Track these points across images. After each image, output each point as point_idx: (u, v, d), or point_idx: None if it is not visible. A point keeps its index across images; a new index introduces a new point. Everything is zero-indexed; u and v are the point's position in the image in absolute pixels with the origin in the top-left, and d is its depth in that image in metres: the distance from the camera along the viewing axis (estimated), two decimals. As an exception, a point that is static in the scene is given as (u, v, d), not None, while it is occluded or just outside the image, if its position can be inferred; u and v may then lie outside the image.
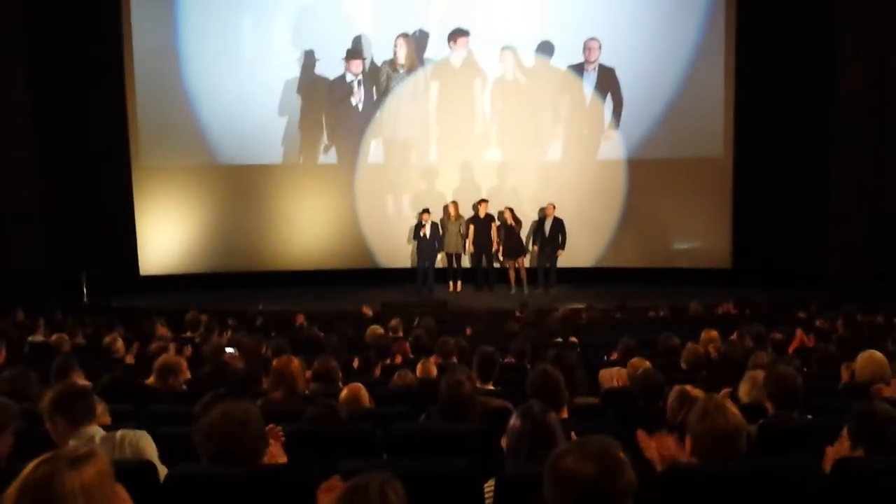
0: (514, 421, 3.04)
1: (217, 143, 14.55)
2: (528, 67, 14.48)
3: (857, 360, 5.37)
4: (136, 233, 14.56)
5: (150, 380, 5.62)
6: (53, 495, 1.98)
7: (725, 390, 4.65)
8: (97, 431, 3.49)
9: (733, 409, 3.06)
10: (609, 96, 14.37)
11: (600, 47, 14.25)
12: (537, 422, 2.98)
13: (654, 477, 2.97)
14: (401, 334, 8.77)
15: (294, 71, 14.55)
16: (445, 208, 14.25)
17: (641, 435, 3.37)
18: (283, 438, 3.35)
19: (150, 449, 3.43)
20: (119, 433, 3.44)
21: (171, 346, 7.55)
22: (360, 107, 14.57)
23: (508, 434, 3.04)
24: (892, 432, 3.19)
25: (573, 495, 1.95)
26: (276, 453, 3.27)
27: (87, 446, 3.00)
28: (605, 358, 7.26)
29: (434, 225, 13.98)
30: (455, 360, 6.62)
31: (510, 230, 13.99)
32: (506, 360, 6.52)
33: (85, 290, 13.70)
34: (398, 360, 7.13)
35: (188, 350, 7.63)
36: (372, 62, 14.57)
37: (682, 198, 14.38)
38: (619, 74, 14.27)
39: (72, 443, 3.40)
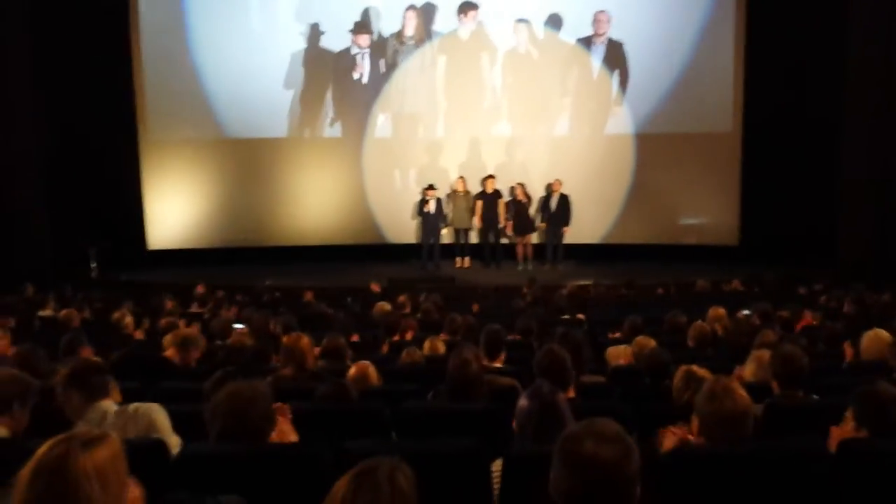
0: (522, 401, 3.07)
1: (224, 117, 14.55)
2: (538, 41, 14.39)
3: (863, 338, 5.38)
4: (143, 207, 14.61)
5: (169, 353, 5.69)
6: (67, 476, 2.01)
7: (737, 371, 4.66)
8: (110, 406, 3.54)
9: (741, 390, 3.08)
10: (617, 71, 14.29)
11: (609, 20, 14.16)
12: (545, 402, 3.00)
13: (657, 462, 2.99)
14: (408, 310, 8.79)
15: (300, 44, 14.53)
16: (453, 184, 14.22)
17: (662, 433, 3.36)
18: (290, 416, 3.38)
19: (163, 421, 3.48)
20: (132, 406, 3.50)
21: (181, 322, 7.61)
22: (365, 80, 14.52)
23: (517, 415, 3.06)
24: (894, 413, 3.21)
25: (591, 478, 1.97)
26: (286, 430, 3.30)
27: (100, 428, 3.10)
28: (612, 335, 7.26)
29: (438, 201, 13.96)
30: (461, 337, 6.63)
31: (520, 206, 13.97)
32: (511, 337, 6.54)
33: (93, 264, 13.75)
34: (407, 336, 7.16)
35: (195, 326, 7.67)
36: (379, 35, 14.50)
37: (690, 173, 14.33)
38: (628, 48, 14.18)
39: (88, 415, 3.45)
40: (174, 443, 3.42)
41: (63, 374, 3.64)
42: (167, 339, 6.12)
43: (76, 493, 2.00)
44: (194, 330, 6.21)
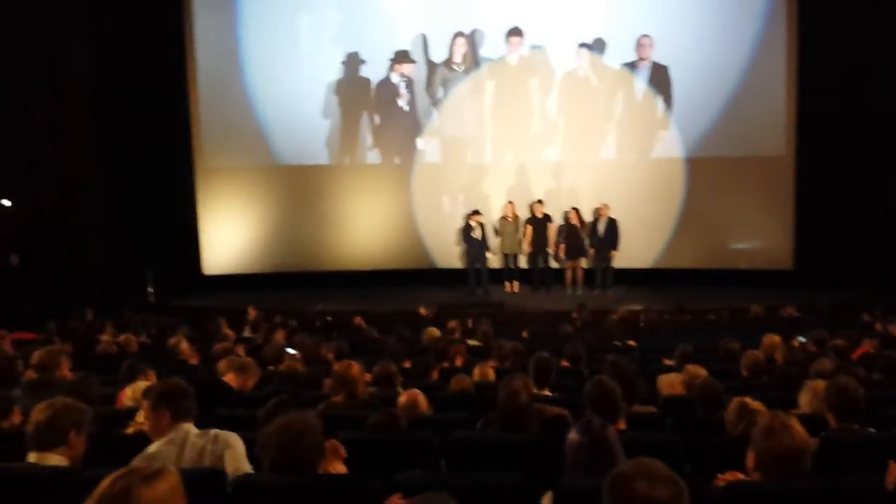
0: (572, 435, 3.07)
1: (276, 144, 14.80)
2: (586, 66, 14.40)
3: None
4: (199, 233, 14.88)
5: (227, 378, 5.76)
6: None
7: (793, 411, 4.58)
8: (192, 428, 3.64)
9: (799, 426, 3.04)
10: (661, 95, 14.22)
11: (652, 44, 14.11)
12: (595, 437, 3.00)
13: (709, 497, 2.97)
14: (458, 336, 8.81)
15: (343, 71, 14.72)
16: (502, 209, 14.24)
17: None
18: (344, 455, 3.42)
19: (239, 449, 3.55)
20: (213, 431, 3.59)
21: (237, 348, 7.73)
22: (406, 107, 14.65)
23: (567, 448, 3.06)
24: None
25: None
26: (336, 465, 3.35)
27: (181, 448, 3.36)
28: (664, 363, 7.19)
29: (483, 226, 13.97)
30: (510, 364, 6.64)
31: (573, 230, 13.95)
32: (561, 364, 6.52)
33: (150, 289, 14.03)
34: (457, 362, 7.17)
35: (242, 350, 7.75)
36: (429, 61, 14.64)
37: (742, 197, 14.15)
38: (676, 71, 14.11)
39: (170, 434, 3.56)
40: (247, 470, 3.48)
41: (155, 390, 3.78)
42: (222, 364, 6.21)
43: None
44: (244, 355, 6.29)
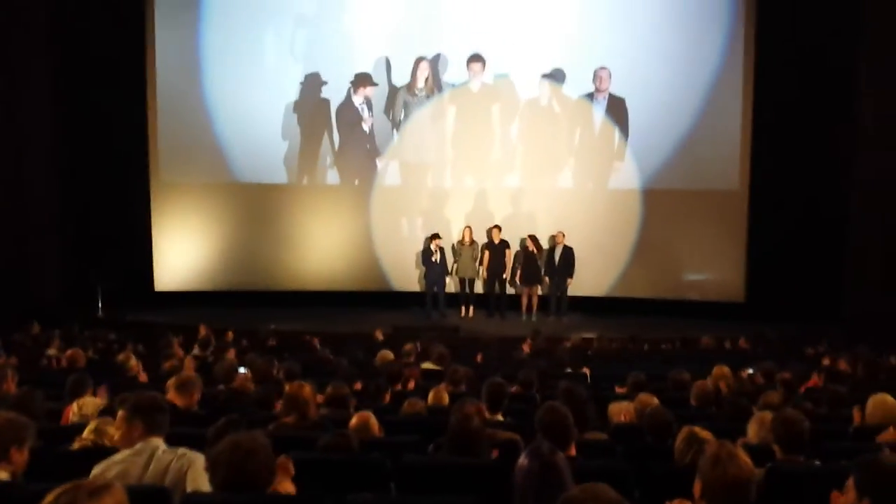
0: (522, 460, 3.07)
1: (235, 161, 14.71)
2: (545, 94, 14.55)
3: (868, 403, 5.36)
4: (152, 248, 14.68)
5: (170, 395, 5.65)
6: None
7: (741, 439, 4.64)
8: (160, 444, 3.64)
9: (745, 457, 3.08)
10: (618, 127, 14.42)
11: (610, 76, 14.31)
12: (545, 462, 3.01)
13: None
14: (413, 360, 8.78)
15: (306, 91, 14.71)
16: (460, 234, 14.29)
17: None
18: (293, 472, 3.40)
19: (200, 469, 3.51)
20: (181, 449, 3.60)
21: (187, 362, 7.63)
22: (366, 129, 14.68)
23: (517, 473, 3.07)
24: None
25: None
26: (287, 487, 3.32)
27: (147, 461, 3.43)
28: (616, 390, 7.25)
29: (442, 250, 14.01)
30: (464, 388, 6.64)
31: (530, 257, 14.03)
32: (514, 390, 6.54)
33: (100, 304, 13.80)
34: (409, 385, 7.15)
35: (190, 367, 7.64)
36: (391, 84, 14.69)
37: (696, 229, 14.36)
38: (633, 103, 14.31)
39: (139, 446, 3.57)
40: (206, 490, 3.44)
41: (131, 401, 3.81)
42: (170, 382, 6.11)
43: None
44: (191, 372, 6.15)
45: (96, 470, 3.47)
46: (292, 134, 14.79)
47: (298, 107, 14.77)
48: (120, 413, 3.86)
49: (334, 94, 14.74)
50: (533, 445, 3.17)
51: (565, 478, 2.99)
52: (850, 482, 3.27)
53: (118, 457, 3.55)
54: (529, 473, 3.01)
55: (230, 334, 10.77)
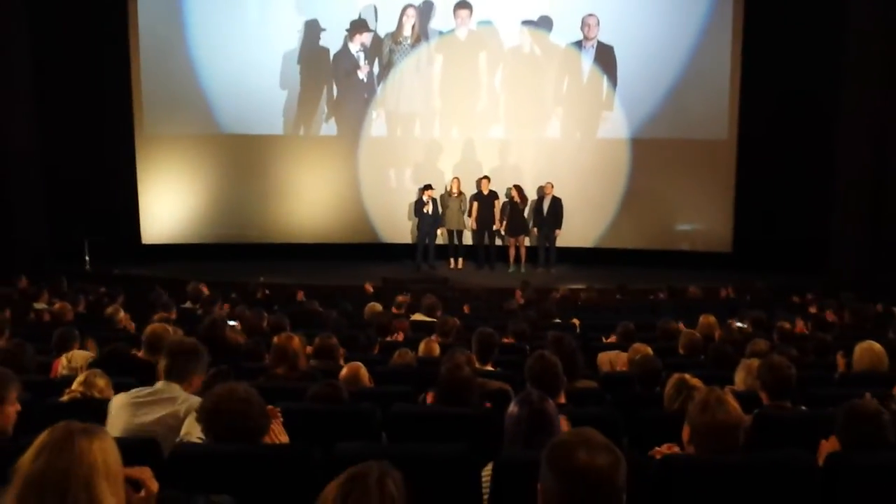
0: (512, 408, 3.09)
1: (221, 113, 14.54)
2: (533, 43, 14.40)
3: (855, 350, 5.41)
4: (138, 201, 14.58)
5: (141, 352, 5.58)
6: (71, 451, 2.09)
7: (728, 387, 4.68)
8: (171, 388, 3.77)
9: (733, 402, 3.11)
10: (606, 75, 14.30)
11: (598, 23, 14.15)
12: (535, 409, 3.03)
13: (645, 470, 3.02)
14: (403, 311, 8.81)
15: (296, 41, 14.52)
16: (447, 185, 14.24)
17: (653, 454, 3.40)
18: (281, 419, 3.40)
19: None
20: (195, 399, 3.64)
21: (173, 314, 7.61)
22: (366, 79, 14.53)
23: (507, 421, 3.09)
24: (867, 428, 3.25)
25: (583, 487, 1.99)
26: (277, 432, 3.33)
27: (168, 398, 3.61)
28: (604, 340, 7.30)
29: (435, 201, 13.97)
30: (453, 340, 6.66)
31: (515, 207, 13.99)
32: (504, 340, 6.56)
33: (87, 258, 13.74)
34: (398, 337, 7.17)
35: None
36: (375, 34, 14.50)
37: (685, 179, 14.35)
38: (622, 52, 14.17)
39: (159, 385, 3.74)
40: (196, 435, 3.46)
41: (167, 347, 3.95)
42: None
43: (79, 467, 2.08)
44: (161, 326, 5.94)
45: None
46: (280, 85, 14.60)
47: (290, 57, 14.55)
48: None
49: (320, 44, 14.53)
50: (523, 394, 3.19)
51: (555, 424, 3.01)
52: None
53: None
54: (519, 420, 3.02)
55: (212, 288, 10.72)
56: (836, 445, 3.30)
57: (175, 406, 3.62)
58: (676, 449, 3.29)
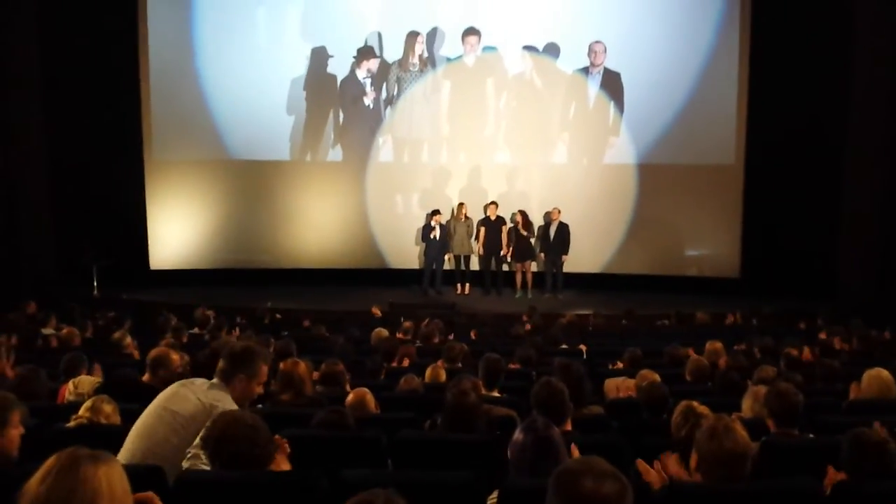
0: (517, 435, 3.08)
1: (230, 138, 14.64)
2: (540, 69, 14.49)
3: (863, 377, 5.38)
4: (147, 226, 14.65)
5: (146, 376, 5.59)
6: (75, 480, 2.11)
7: (735, 414, 4.66)
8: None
9: (741, 431, 3.10)
10: (613, 101, 14.36)
11: (605, 50, 14.22)
12: (539, 436, 3.02)
13: (651, 497, 3.01)
14: (410, 337, 8.80)
15: (304, 67, 14.64)
16: (453, 210, 14.28)
17: (640, 463, 3.41)
18: (289, 451, 3.40)
19: None
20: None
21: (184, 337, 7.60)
22: (372, 105, 14.61)
23: (511, 447, 3.08)
24: (873, 458, 3.23)
25: None
26: (279, 461, 3.32)
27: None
28: (611, 366, 7.28)
29: (443, 226, 14.01)
30: (460, 365, 6.64)
31: (520, 233, 14.01)
32: (511, 366, 6.55)
33: (95, 283, 13.78)
34: (405, 363, 7.16)
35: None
36: (383, 60, 14.62)
37: (693, 204, 14.34)
38: (628, 78, 14.23)
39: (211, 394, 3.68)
40: None
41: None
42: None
43: (84, 493, 2.10)
44: (164, 350, 5.92)
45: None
46: (287, 111, 14.70)
47: (297, 83, 14.67)
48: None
49: (328, 70, 14.65)
50: (528, 420, 3.18)
51: (560, 451, 3.00)
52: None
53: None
54: (524, 447, 3.02)
55: (219, 314, 10.73)
56: (842, 474, 3.29)
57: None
58: (674, 458, 3.29)
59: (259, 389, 3.89)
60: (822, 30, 13.16)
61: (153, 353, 5.50)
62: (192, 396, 3.63)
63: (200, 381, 3.77)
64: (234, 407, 3.58)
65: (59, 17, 13.75)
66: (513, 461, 3.07)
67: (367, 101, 14.60)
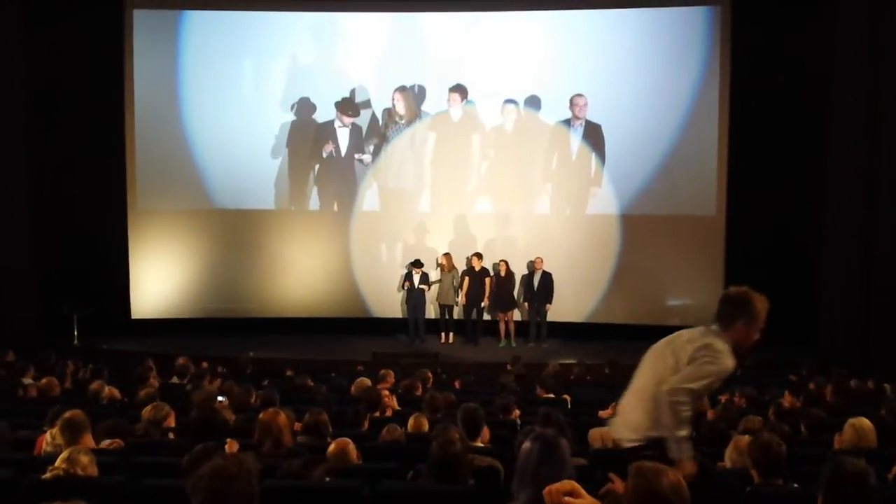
0: (525, 444, 3.09)
1: (213, 188, 14.66)
2: (523, 121, 14.65)
3: (845, 427, 5.38)
4: (129, 275, 14.56)
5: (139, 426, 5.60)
6: None
7: (720, 464, 4.64)
8: None
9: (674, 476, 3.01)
10: (595, 153, 14.51)
11: (587, 104, 14.40)
12: (547, 441, 3.03)
13: None
14: (389, 383, 8.72)
15: (289, 116, 14.75)
16: (438, 259, 14.30)
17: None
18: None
19: None
20: None
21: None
22: (343, 153, 14.69)
23: (518, 456, 3.09)
24: (851, 489, 3.21)
25: None
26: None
27: None
28: (599, 414, 7.25)
29: (424, 276, 14.03)
30: (442, 415, 6.60)
31: (502, 282, 14.03)
32: (495, 417, 6.52)
33: (76, 332, 13.65)
34: (387, 412, 7.11)
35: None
36: (369, 111, 14.75)
37: (675, 255, 14.39)
38: (610, 129, 14.34)
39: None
40: None
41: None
42: (146, 410, 6.04)
43: None
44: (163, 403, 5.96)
45: None
46: (270, 160, 14.76)
47: (282, 133, 14.77)
48: None
49: (306, 119, 14.79)
50: (538, 430, 3.19)
51: (566, 460, 2.99)
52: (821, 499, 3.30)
53: None
54: (530, 453, 3.02)
55: (206, 363, 10.65)
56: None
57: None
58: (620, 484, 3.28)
59: (756, 336, 3.91)
60: (800, 81, 13.38)
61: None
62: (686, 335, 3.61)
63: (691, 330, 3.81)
64: (725, 349, 3.69)
65: (44, 65, 13.81)
66: (518, 468, 3.06)
67: (352, 151, 14.69)
